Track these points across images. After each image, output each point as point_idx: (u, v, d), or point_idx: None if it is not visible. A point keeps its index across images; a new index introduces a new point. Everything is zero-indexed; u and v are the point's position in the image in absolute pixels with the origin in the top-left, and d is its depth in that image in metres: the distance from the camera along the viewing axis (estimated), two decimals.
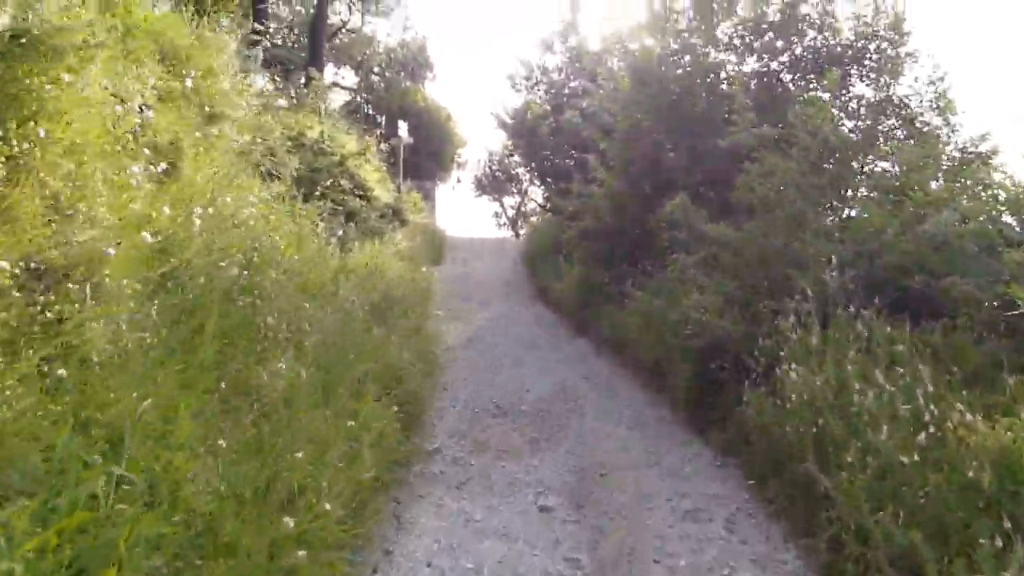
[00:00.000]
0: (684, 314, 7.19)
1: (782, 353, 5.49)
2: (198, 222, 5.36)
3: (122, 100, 5.34)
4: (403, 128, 21.03)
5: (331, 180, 13.78)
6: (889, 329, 5.09)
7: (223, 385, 4.70)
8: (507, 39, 60.32)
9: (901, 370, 4.52)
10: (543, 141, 18.88)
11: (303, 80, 16.44)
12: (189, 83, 6.11)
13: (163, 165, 5.75)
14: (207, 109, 7.44)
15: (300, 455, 3.94)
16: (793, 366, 5.15)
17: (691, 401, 6.96)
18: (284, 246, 7.41)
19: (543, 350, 10.49)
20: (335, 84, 29.07)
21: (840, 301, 5.55)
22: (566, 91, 19.26)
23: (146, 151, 5.90)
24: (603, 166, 12.68)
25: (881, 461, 4.00)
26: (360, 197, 14.82)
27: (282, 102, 16.15)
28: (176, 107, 6.45)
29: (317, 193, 12.43)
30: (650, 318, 8.60)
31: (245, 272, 5.65)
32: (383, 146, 20.40)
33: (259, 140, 11.88)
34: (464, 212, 57.48)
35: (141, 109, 5.68)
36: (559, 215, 15.79)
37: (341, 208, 13.62)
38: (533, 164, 20.05)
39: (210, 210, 6.52)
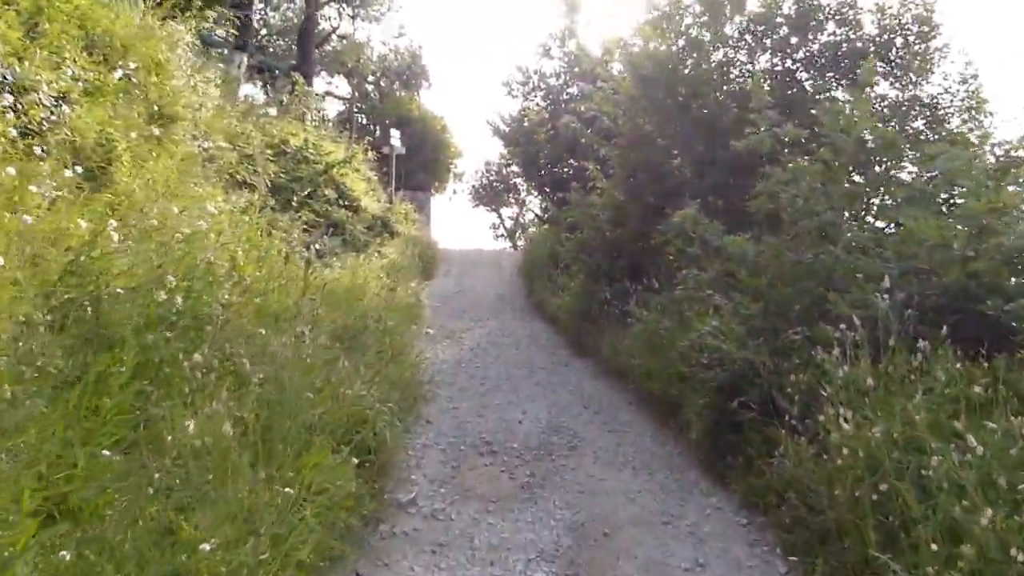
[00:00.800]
0: (698, 340, 6.21)
1: (824, 392, 4.49)
2: (116, 236, 4.37)
3: (23, 89, 4.37)
4: (395, 137, 20.10)
5: (313, 189, 12.84)
6: (960, 365, 4.11)
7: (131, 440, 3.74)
8: (504, 45, 59.14)
9: (992, 424, 3.51)
10: (540, 149, 17.93)
11: (289, 86, 15.50)
12: (119, 75, 5.14)
13: (81, 170, 4.80)
14: (155, 108, 6.49)
15: (209, 546, 2.95)
16: (841, 411, 4.16)
17: (708, 442, 5.95)
18: (242, 263, 6.45)
19: (539, 373, 9.49)
20: (328, 93, 28.23)
21: (893, 329, 4.56)
22: (564, 97, 18.33)
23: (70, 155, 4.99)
24: (603, 174, 11.73)
25: (976, 550, 3.00)
26: (346, 208, 13.87)
27: (269, 109, 15.23)
28: (109, 103, 5.48)
29: (295, 203, 11.50)
30: (657, 341, 7.62)
31: (180, 298, 4.65)
32: (373, 155, 19.48)
33: (235, 147, 10.97)
34: (461, 224, 56.36)
35: (58, 103, 4.71)
36: (557, 226, 14.83)
37: (324, 219, 12.67)
38: (530, 173, 19.09)
39: (151, 222, 5.58)
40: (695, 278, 6.92)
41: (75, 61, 4.72)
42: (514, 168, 27.35)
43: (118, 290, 4.32)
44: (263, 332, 5.29)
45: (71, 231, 4.41)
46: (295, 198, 11.49)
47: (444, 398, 8.24)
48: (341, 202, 13.63)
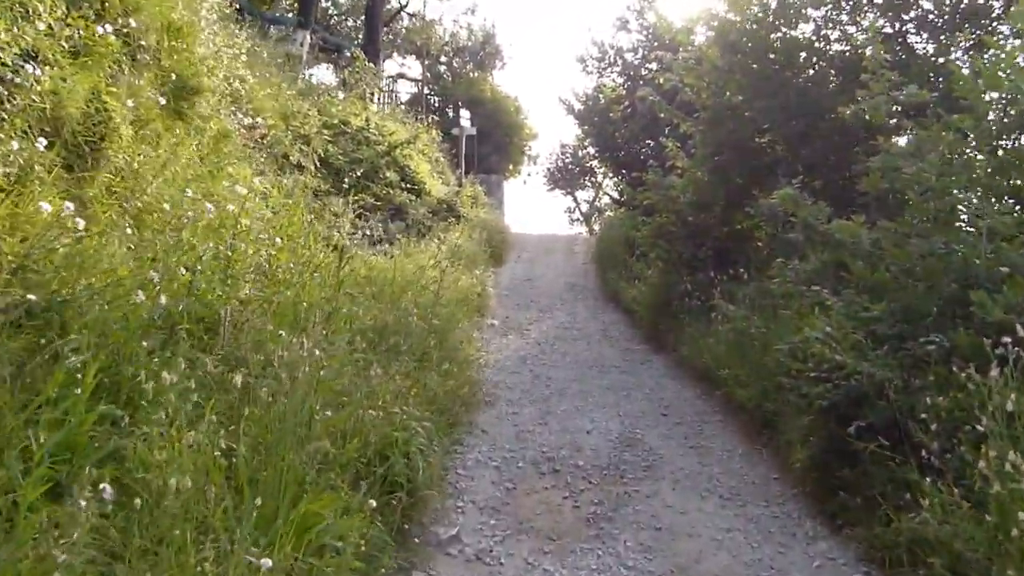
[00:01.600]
0: (802, 346, 5.13)
1: (980, 426, 3.40)
2: (82, 224, 3.55)
3: None
4: (465, 117, 19.21)
5: (374, 171, 12.05)
6: None
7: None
8: (579, 20, 57.15)
9: None
10: (616, 127, 16.80)
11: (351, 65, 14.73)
12: (107, 29, 4.30)
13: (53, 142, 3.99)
14: (172, 77, 5.68)
15: None
16: (1012, 457, 3.07)
17: (815, 473, 4.88)
18: (275, 252, 5.64)
19: (611, 374, 8.48)
20: (401, 75, 27.55)
21: None
22: (643, 73, 17.14)
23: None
24: (684, 153, 10.60)
25: None
26: (408, 191, 13.05)
27: (333, 89, 14.50)
28: (105, 68, 4.67)
29: (352, 186, 10.70)
30: (747, 343, 6.56)
31: (165, 298, 3.81)
32: (439, 136, 18.65)
33: (289, 126, 10.23)
34: (535, 208, 55.32)
35: (24, 61, 3.90)
36: (632, 210, 13.73)
37: (385, 203, 11.88)
38: (606, 153, 17.96)
39: (148, 205, 4.77)
40: (795, 269, 5.81)
41: (51, 12, 3.93)
42: (590, 150, 26.27)
43: (91, 289, 3.51)
44: (282, 334, 4.43)
45: (39, 217, 3.62)
46: (350, 180, 10.69)
47: (504, 401, 7.33)
48: (403, 185, 12.80)
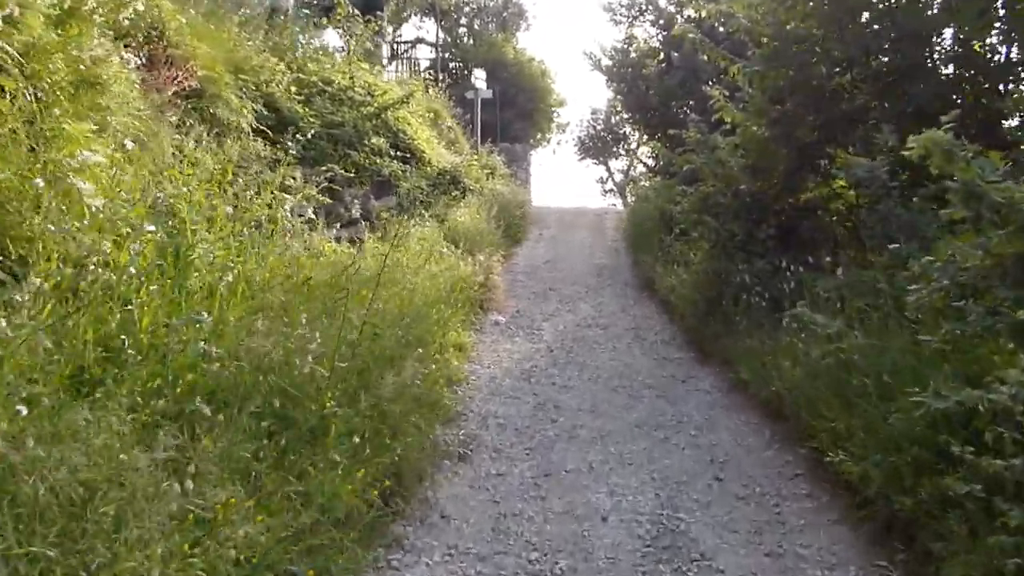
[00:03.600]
0: (980, 406, 2.74)
1: None
2: None
3: None
4: (480, 78, 16.78)
5: (357, 137, 9.76)
6: None
7: None
8: None
9: None
10: (650, 84, 14.27)
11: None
12: None
13: None
14: None
15: None
16: None
17: None
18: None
19: (643, 400, 6.13)
20: (419, 40, 25.14)
21: None
22: (678, 21, 14.57)
23: None
24: (733, 105, 8.13)
25: None
26: (402, 160, 10.74)
27: (329, 48, 12.13)
28: None
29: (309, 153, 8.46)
30: (852, 376, 4.17)
31: None
32: (448, 99, 16.28)
33: (241, 82, 8.00)
34: (566, 178, 52.43)
35: None
36: (670, 178, 11.30)
37: (368, 175, 9.58)
38: (639, 115, 15.41)
39: None
40: (950, 265, 3.38)
41: None
42: (622, 114, 23.70)
43: None
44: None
45: None
46: (315, 147, 8.44)
47: (488, 451, 5.05)
48: (395, 153, 10.48)
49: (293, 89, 9.07)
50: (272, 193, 6.51)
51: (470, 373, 6.71)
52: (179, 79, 6.89)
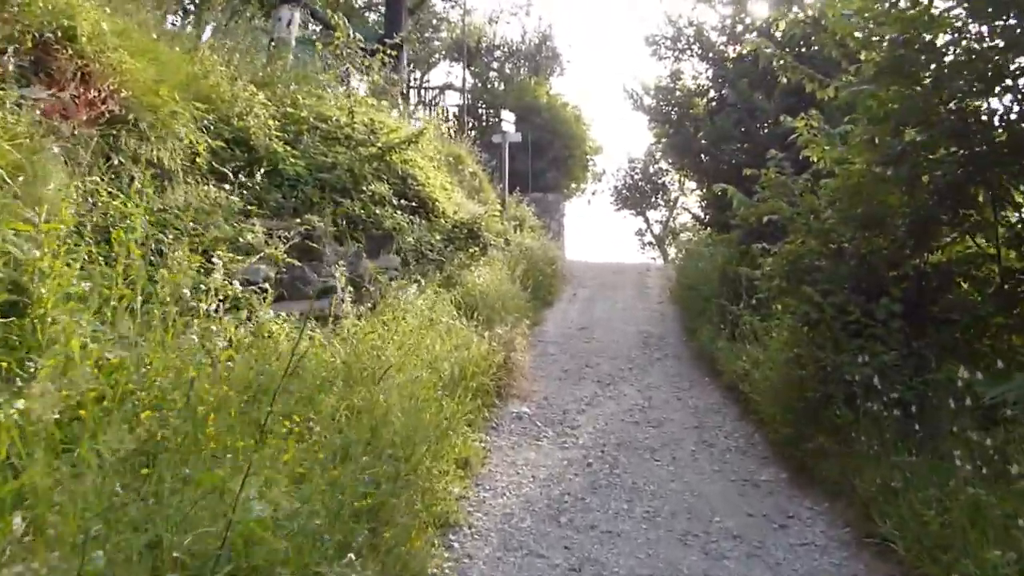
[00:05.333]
0: None
1: None
2: None
3: None
4: (509, 120, 14.96)
5: (352, 182, 7.96)
6: None
7: None
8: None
9: None
10: (699, 125, 12.34)
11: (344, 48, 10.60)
12: None
13: None
14: None
15: None
16: None
17: None
18: None
19: (727, 565, 4.06)
20: (448, 86, 23.53)
21: None
22: (729, 55, 12.64)
23: None
24: (827, 139, 6.15)
25: None
26: (411, 210, 8.89)
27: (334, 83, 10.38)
28: None
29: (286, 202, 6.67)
30: None
31: None
32: (474, 145, 14.51)
33: (196, 112, 6.27)
34: (601, 230, 50.43)
35: None
36: (729, 231, 9.30)
37: (365, 227, 7.74)
38: (686, 159, 13.44)
39: None
40: None
41: None
42: (661, 164, 21.83)
43: None
44: None
45: None
46: (299, 195, 6.67)
47: None
48: (401, 202, 8.63)
49: (273, 124, 7.30)
50: (211, 254, 4.69)
51: (476, 506, 4.70)
52: (94, 101, 5.13)
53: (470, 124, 18.55)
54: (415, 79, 22.32)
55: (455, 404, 5.48)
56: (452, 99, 22.74)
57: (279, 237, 5.94)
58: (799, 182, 6.09)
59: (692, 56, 13.43)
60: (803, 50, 8.15)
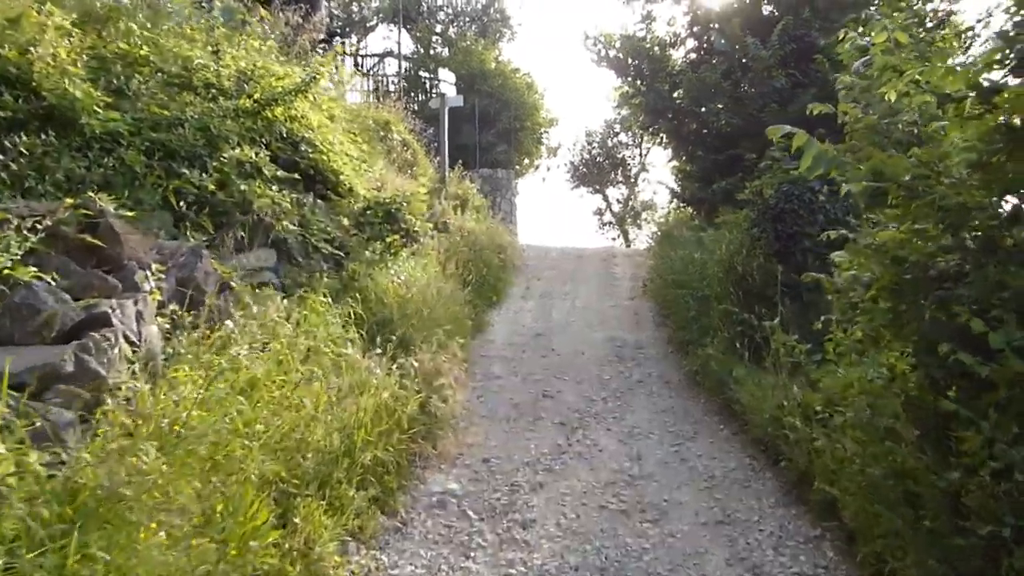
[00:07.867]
0: None
1: None
2: None
3: None
4: (448, 81, 12.32)
5: (207, 145, 5.29)
6: None
7: None
8: None
9: None
10: (678, 81, 9.84)
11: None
12: None
13: None
14: None
15: None
16: None
17: None
18: None
19: None
20: (388, 53, 20.64)
21: None
22: (716, 6, 10.15)
23: None
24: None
25: None
26: (304, 185, 6.27)
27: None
28: None
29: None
30: None
31: None
32: (406, 109, 11.82)
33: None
34: (556, 210, 47.60)
35: None
36: (740, 209, 6.86)
37: (218, 212, 5.08)
38: (661, 123, 10.88)
39: None
40: None
41: None
42: (621, 138, 19.45)
43: None
44: None
45: None
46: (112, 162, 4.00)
47: None
48: (282, 174, 5.93)
49: (83, 62, 4.67)
50: None
51: None
52: None
53: (408, 92, 15.86)
54: (351, 45, 19.46)
55: (319, 516, 2.95)
56: (393, 68, 19.98)
57: (33, 227, 3.33)
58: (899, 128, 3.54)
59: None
60: None
